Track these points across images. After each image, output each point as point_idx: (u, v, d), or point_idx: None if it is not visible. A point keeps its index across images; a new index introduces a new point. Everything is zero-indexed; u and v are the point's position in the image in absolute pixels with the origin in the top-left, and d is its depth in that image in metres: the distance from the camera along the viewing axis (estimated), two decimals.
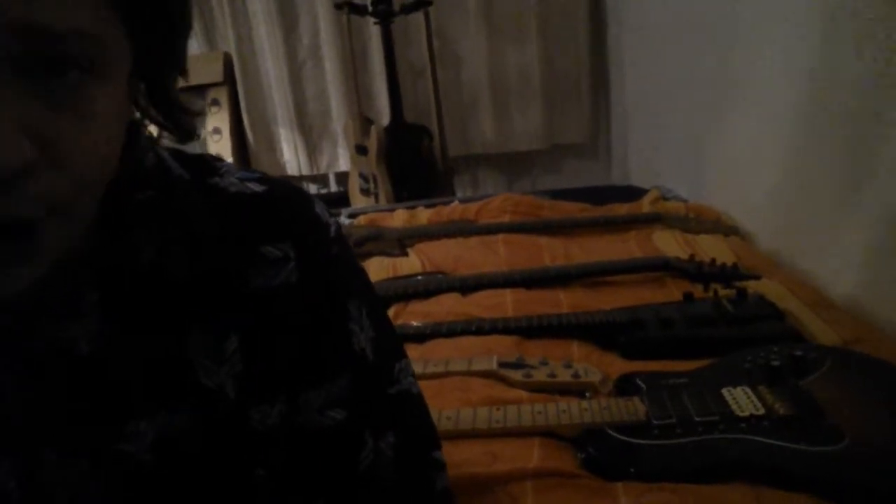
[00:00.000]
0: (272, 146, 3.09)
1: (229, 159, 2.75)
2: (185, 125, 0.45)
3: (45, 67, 0.33)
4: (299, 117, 3.02)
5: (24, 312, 0.41)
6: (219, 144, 2.94)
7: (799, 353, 0.95)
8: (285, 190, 0.51)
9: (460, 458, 0.81)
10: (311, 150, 3.09)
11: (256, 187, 0.49)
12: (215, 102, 2.96)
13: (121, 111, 0.39)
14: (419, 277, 1.44)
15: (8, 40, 0.31)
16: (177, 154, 0.48)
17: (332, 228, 0.52)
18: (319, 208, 0.52)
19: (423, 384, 0.73)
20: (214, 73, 2.91)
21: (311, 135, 3.07)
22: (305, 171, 3.10)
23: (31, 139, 0.32)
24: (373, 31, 2.77)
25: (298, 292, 0.48)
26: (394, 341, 0.57)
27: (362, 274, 0.55)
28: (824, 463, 0.76)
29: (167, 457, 0.45)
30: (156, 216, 0.39)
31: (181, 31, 0.42)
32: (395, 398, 0.54)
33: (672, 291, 1.28)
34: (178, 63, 0.43)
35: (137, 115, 0.44)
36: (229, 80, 2.97)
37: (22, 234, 0.34)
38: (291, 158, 3.09)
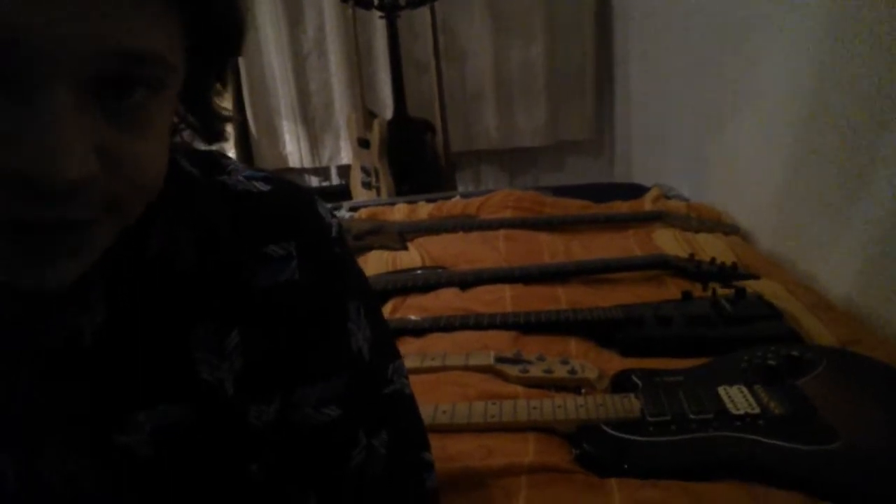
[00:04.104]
0: (275, 138, 3.08)
1: (231, 150, 2.75)
2: (216, 129, 0.46)
3: (116, 86, 0.34)
4: (302, 109, 3.01)
5: (34, 303, 0.41)
6: None
7: (795, 353, 0.95)
8: (289, 190, 0.51)
9: (455, 452, 0.82)
10: (314, 143, 3.09)
11: (262, 186, 0.50)
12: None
13: (171, 122, 0.41)
14: (419, 271, 1.44)
15: (103, 62, 0.32)
16: (186, 150, 0.48)
17: (334, 229, 0.52)
18: (322, 209, 0.52)
19: (419, 378, 0.74)
20: None
21: (313, 127, 3.06)
22: (307, 164, 3.10)
23: (97, 154, 0.33)
24: (378, 24, 2.77)
25: (299, 291, 0.49)
26: (389, 342, 0.57)
27: (360, 274, 0.56)
28: (817, 462, 0.76)
29: (163, 449, 0.45)
30: (166, 210, 0.40)
31: (233, 57, 0.43)
32: (388, 398, 0.55)
33: (671, 290, 1.29)
34: (222, 77, 0.45)
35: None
36: (232, 70, 2.97)
37: (76, 231, 0.35)
38: (294, 150, 3.09)
